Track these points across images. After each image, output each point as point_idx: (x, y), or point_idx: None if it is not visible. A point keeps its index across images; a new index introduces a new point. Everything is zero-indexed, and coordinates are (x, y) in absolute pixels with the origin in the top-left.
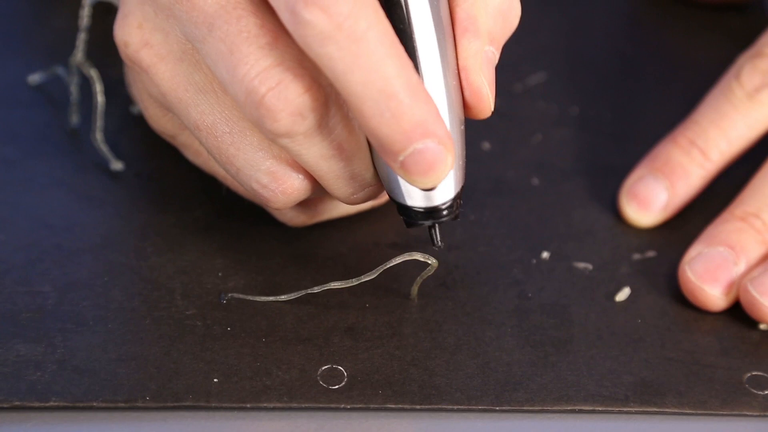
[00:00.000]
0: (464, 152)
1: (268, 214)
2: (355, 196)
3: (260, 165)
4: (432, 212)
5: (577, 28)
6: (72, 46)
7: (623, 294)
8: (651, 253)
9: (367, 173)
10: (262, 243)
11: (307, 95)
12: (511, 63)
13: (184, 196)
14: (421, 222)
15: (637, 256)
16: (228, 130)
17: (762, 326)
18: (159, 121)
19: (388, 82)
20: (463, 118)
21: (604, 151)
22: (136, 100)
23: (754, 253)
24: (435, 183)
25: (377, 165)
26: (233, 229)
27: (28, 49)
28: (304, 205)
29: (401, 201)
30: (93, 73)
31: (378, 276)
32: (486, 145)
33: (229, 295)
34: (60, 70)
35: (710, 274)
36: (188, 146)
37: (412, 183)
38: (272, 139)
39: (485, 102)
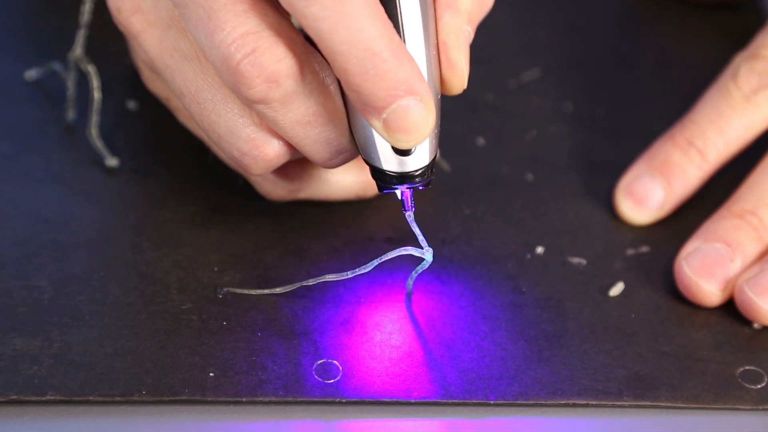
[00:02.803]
0: (439, 122)
1: (262, 208)
2: (332, 160)
3: (240, 132)
4: (405, 177)
5: (571, 24)
6: (69, 42)
7: (617, 289)
8: (645, 249)
9: (343, 138)
10: (257, 238)
11: (282, 63)
12: (506, 59)
13: (179, 191)
14: (394, 186)
15: (630, 252)
16: (210, 97)
17: (755, 325)
18: (153, 84)
19: (372, 41)
20: (439, 89)
21: (598, 147)
22: (135, 64)
23: (750, 250)
24: (416, 142)
25: (354, 129)
26: (229, 224)
27: (25, 45)
28: (283, 179)
29: (377, 165)
30: (90, 69)
31: (373, 270)
32: (480, 141)
33: (225, 289)
34: (57, 66)
35: (707, 269)
36: (180, 110)
37: (393, 142)
38: (248, 105)
39: (460, 78)
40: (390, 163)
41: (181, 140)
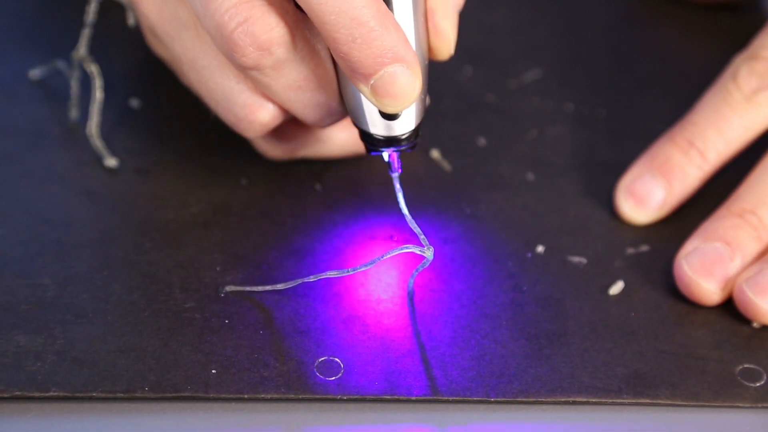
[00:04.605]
0: (427, 88)
1: (265, 209)
2: (323, 122)
3: (236, 99)
4: (392, 141)
5: (572, 25)
6: (73, 42)
7: (617, 287)
8: (644, 248)
9: (333, 102)
10: (259, 238)
11: (274, 31)
12: (507, 59)
13: (182, 191)
14: (381, 149)
15: (630, 251)
16: (207, 64)
17: (755, 324)
18: (156, 48)
19: (359, 10)
20: (427, 56)
21: (598, 148)
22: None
23: (750, 249)
24: (403, 106)
25: (344, 93)
26: (231, 225)
27: (29, 44)
28: (281, 138)
29: (364, 128)
30: (94, 69)
31: (374, 268)
32: (481, 141)
33: (227, 287)
34: (60, 64)
35: (706, 268)
36: (183, 73)
37: (380, 107)
38: (242, 71)
39: (447, 45)
40: (377, 126)
41: (183, 140)
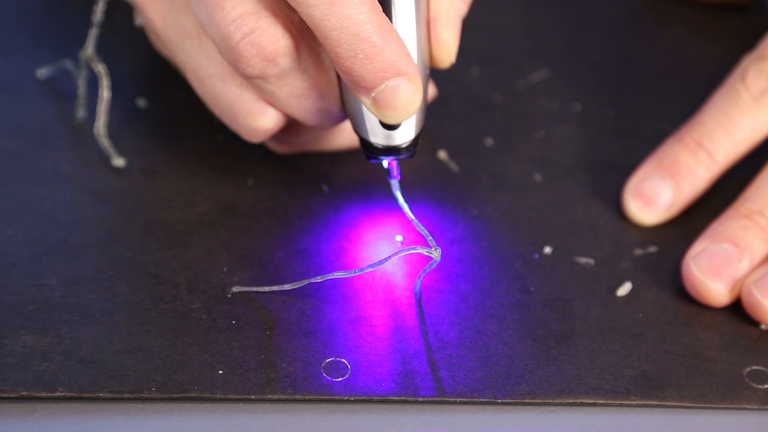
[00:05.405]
0: (427, 97)
1: (271, 209)
2: (324, 125)
3: (240, 108)
4: (392, 150)
5: (579, 25)
6: (80, 42)
7: (624, 289)
8: (652, 249)
9: (335, 108)
10: (266, 238)
11: (280, 42)
12: (514, 60)
13: (188, 191)
14: (381, 157)
15: (638, 252)
16: (210, 73)
17: (763, 326)
18: (161, 50)
19: (361, 26)
20: (428, 64)
21: (605, 148)
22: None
23: (758, 250)
24: (405, 117)
25: (345, 102)
26: (238, 225)
27: (37, 44)
28: (287, 136)
29: (365, 137)
30: (101, 68)
31: (381, 269)
32: (489, 141)
33: (234, 288)
34: (68, 64)
35: (714, 270)
36: (188, 79)
37: (382, 118)
38: (246, 79)
39: (448, 54)
40: (377, 136)
41: (190, 140)
